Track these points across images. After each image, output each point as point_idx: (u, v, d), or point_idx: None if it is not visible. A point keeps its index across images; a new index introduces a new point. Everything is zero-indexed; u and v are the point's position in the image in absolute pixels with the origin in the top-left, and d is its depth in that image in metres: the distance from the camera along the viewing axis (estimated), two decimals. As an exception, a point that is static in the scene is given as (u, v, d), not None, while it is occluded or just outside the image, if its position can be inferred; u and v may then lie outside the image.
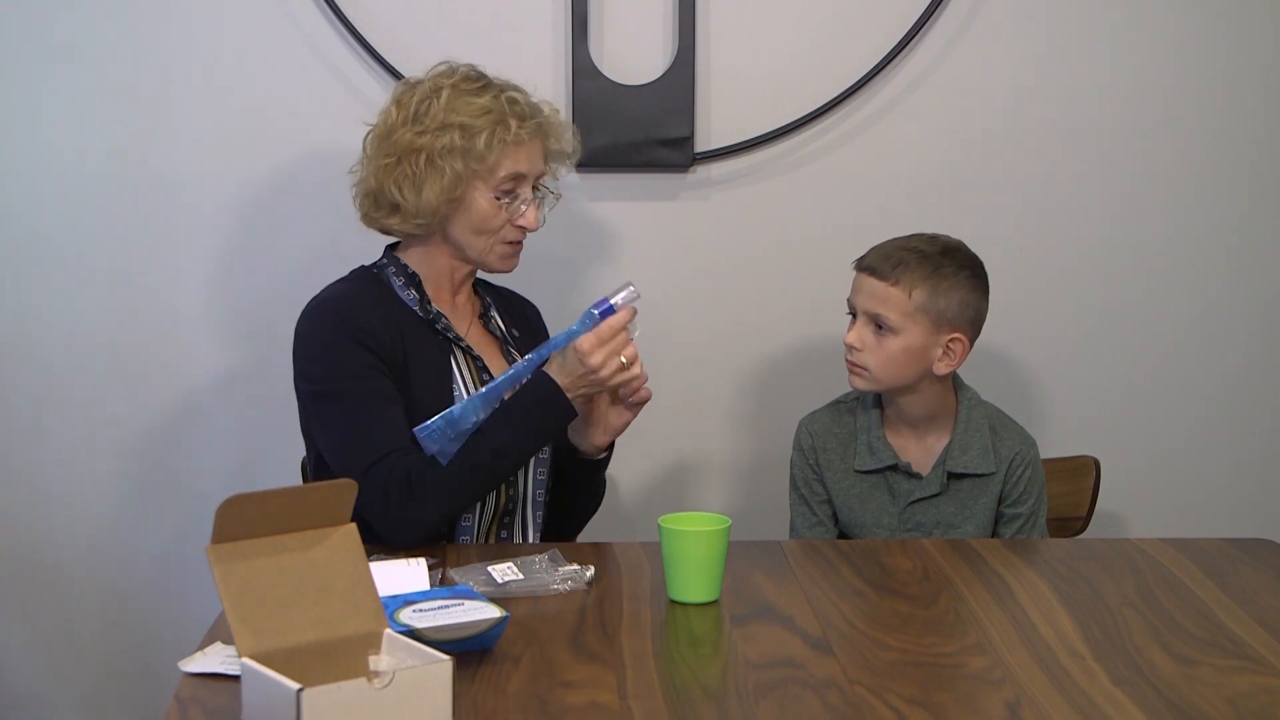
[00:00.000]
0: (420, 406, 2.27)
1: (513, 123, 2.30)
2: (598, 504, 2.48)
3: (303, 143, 2.81)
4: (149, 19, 2.78)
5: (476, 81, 2.34)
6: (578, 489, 2.41)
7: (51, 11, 2.76)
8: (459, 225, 2.33)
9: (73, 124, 2.80)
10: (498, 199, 2.32)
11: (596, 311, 2.20)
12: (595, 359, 2.18)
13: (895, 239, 2.43)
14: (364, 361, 2.25)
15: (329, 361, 2.27)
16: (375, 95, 2.77)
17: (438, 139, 2.28)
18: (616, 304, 2.21)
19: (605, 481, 2.46)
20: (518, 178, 2.32)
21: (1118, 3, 2.87)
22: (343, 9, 2.77)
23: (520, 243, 2.37)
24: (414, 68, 2.72)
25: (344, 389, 2.25)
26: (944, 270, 2.37)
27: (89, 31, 2.77)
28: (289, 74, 2.80)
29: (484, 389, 2.22)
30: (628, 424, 2.31)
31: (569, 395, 2.21)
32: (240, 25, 2.79)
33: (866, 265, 2.41)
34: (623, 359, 2.19)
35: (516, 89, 2.36)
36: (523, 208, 2.34)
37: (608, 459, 2.40)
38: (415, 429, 2.18)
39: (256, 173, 2.83)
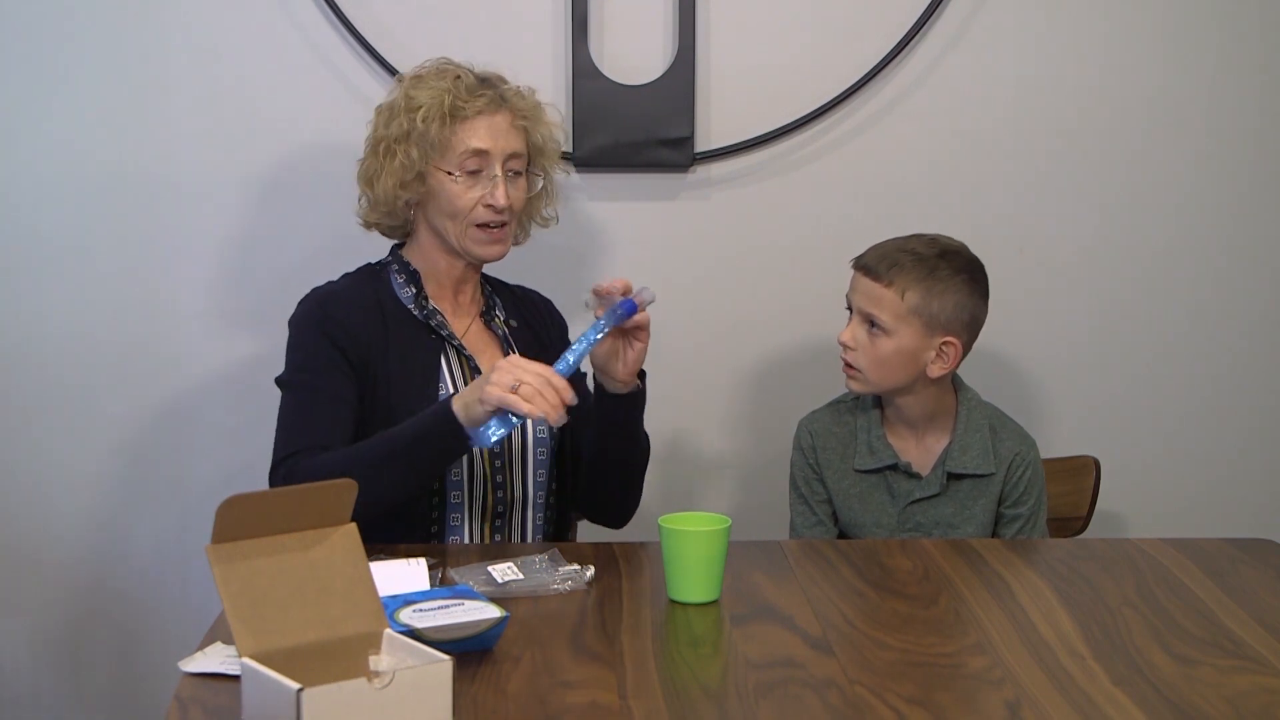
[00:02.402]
0: (400, 404, 2.28)
1: (451, 97, 2.29)
2: (646, 456, 2.36)
3: (302, 143, 2.81)
4: (149, 18, 2.78)
5: (445, 71, 2.35)
6: (623, 438, 2.27)
7: (53, 12, 2.76)
8: (433, 212, 2.34)
9: (72, 123, 2.80)
10: (455, 176, 2.30)
11: (622, 310, 2.14)
12: (512, 371, 2.05)
13: (895, 239, 2.43)
14: (326, 357, 2.27)
15: (294, 350, 2.32)
16: (375, 95, 2.76)
17: (392, 127, 2.31)
18: (636, 302, 2.16)
19: (647, 435, 2.35)
20: (479, 154, 2.31)
21: (1116, 4, 2.87)
22: (343, 9, 2.77)
23: (497, 226, 2.33)
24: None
25: (299, 381, 2.28)
26: (939, 273, 2.37)
27: (89, 31, 2.77)
28: (289, 74, 2.80)
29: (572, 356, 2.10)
30: (642, 353, 2.21)
31: (455, 403, 2.09)
32: (240, 25, 2.79)
33: (863, 264, 2.41)
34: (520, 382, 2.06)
35: (468, 70, 2.34)
36: (490, 185, 2.32)
37: (642, 395, 2.29)
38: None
39: (255, 172, 2.83)
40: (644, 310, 2.18)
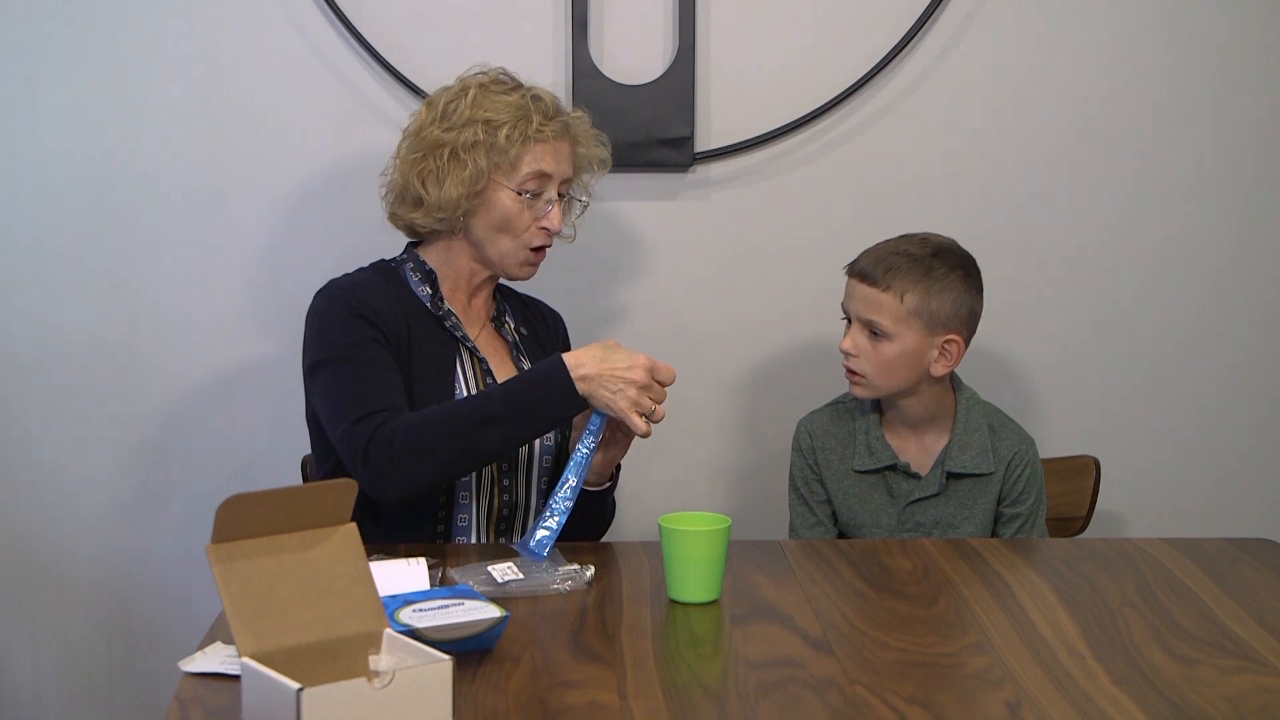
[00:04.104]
0: (419, 400, 2.27)
1: (535, 118, 2.31)
2: (608, 525, 2.45)
3: (304, 145, 2.81)
4: (150, 23, 2.78)
5: (506, 83, 2.36)
6: (583, 516, 2.29)
7: (54, 17, 2.76)
8: (481, 223, 2.34)
9: (73, 127, 2.80)
10: (520, 195, 2.32)
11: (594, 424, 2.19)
12: (639, 375, 2.14)
13: (885, 242, 2.43)
14: (367, 334, 2.26)
15: (332, 333, 2.28)
16: (376, 96, 2.78)
17: (462, 134, 2.30)
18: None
19: (615, 503, 2.43)
20: (542, 177, 2.33)
21: (1117, 3, 2.87)
22: (343, 10, 2.77)
23: (543, 250, 2.38)
24: (415, 68, 2.73)
25: (344, 355, 2.25)
26: (935, 272, 2.37)
27: (90, 35, 2.77)
28: (289, 75, 2.80)
29: (563, 487, 2.15)
30: (618, 455, 2.29)
31: (579, 384, 2.15)
32: (241, 26, 2.79)
33: (858, 270, 2.41)
34: (654, 403, 2.16)
35: (545, 91, 2.37)
36: (547, 208, 2.34)
37: (611, 488, 2.37)
38: (520, 546, 2.12)
39: (256, 175, 2.82)
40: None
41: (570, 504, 2.13)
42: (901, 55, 2.84)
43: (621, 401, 2.13)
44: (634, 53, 2.82)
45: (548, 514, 2.12)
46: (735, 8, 2.83)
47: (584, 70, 2.80)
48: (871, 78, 2.84)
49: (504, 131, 2.29)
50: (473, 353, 2.37)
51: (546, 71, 2.79)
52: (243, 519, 1.59)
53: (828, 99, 2.84)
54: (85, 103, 2.79)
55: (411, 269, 2.39)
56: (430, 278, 2.38)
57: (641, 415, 2.15)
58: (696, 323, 2.91)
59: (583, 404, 2.16)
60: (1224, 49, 2.89)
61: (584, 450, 2.16)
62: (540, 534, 2.10)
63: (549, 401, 2.16)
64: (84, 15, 2.77)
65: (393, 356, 2.27)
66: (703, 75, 2.84)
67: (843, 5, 2.84)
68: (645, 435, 2.17)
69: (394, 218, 2.40)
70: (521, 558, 2.09)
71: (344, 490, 1.67)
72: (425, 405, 2.25)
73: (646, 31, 2.83)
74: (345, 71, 2.80)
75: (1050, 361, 2.95)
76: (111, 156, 2.81)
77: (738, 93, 2.85)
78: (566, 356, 2.16)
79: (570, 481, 2.14)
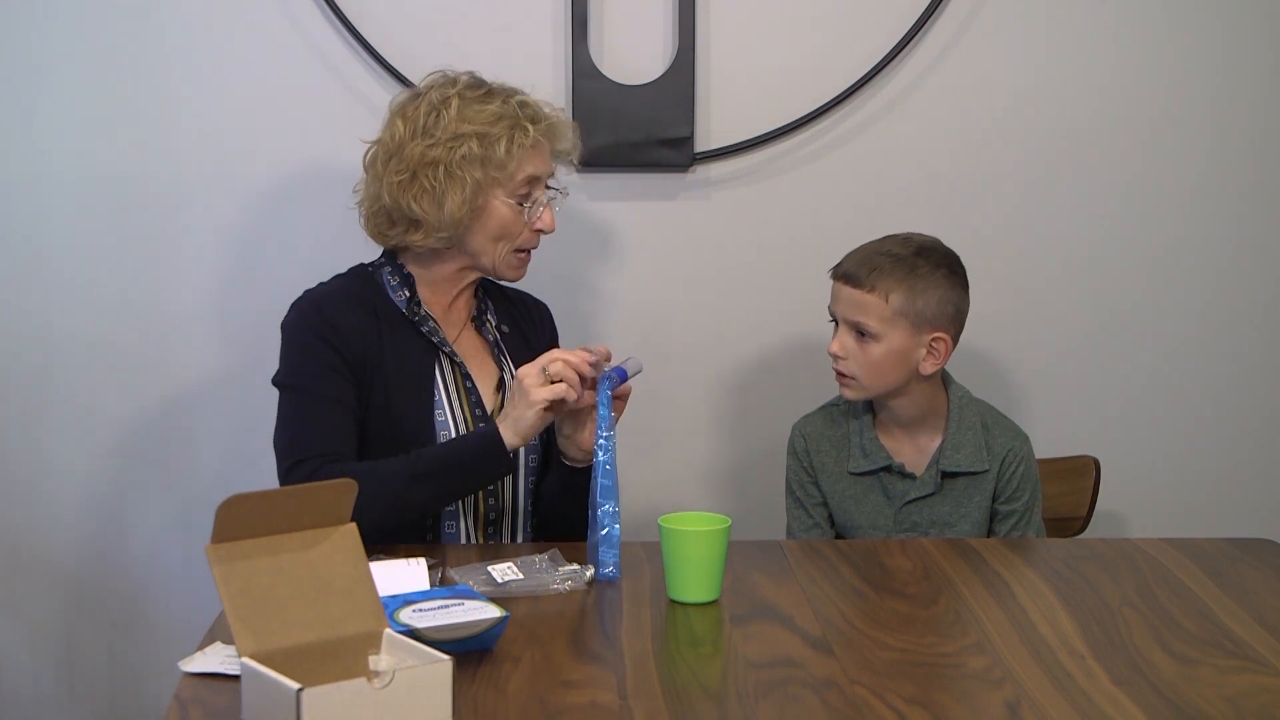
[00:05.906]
0: (398, 407, 2.28)
1: (529, 127, 2.30)
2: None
3: (301, 145, 2.81)
4: (151, 23, 2.78)
5: (479, 89, 2.33)
6: (576, 498, 2.30)
7: (50, 16, 2.76)
8: (478, 234, 2.33)
9: (72, 127, 2.79)
10: (520, 206, 2.32)
11: (616, 376, 2.19)
12: (527, 379, 2.16)
13: (869, 243, 2.43)
14: (325, 361, 2.26)
15: (292, 354, 2.30)
16: (376, 96, 2.77)
17: (454, 150, 2.27)
18: (628, 370, 2.22)
19: None
20: (533, 180, 2.33)
21: (1117, 3, 2.87)
22: (342, 9, 2.77)
23: (530, 251, 2.37)
24: (415, 69, 2.72)
25: (297, 384, 2.27)
26: (919, 271, 2.37)
27: (87, 36, 2.77)
28: (288, 75, 2.80)
29: (600, 491, 2.12)
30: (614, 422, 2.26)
31: (511, 432, 2.17)
32: (240, 26, 2.79)
33: (842, 273, 2.42)
34: (547, 371, 2.16)
35: (518, 91, 2.35)
36: (539, 210, 2.34)
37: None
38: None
39: (254, 175, 2.82)
40: (630, 378, 2.22)
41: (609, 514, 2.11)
42: (901, 55, 2.84)
43: (531, 395, 2.15)
44: (634, 53, 2.82)
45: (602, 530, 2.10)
46: (735, 8, 2.83)
47: (584, 70, 2.80)
48: (871, 78, 2.84)
49: (502, 144, 2.27)
50: (451, 357, 2.36)
51: (546, 71, 2.79)
52: (243, 519, 1.60)
53: (828, 99, 2.84)
54: (82, 103, 2.79)
55: (389, 274, 2.38)
56: (409, 281, 2.37)
57: (550, 384, 2.16)
58: (696, 322, 2.91)
59: (509, 459, 2.19)
60: (1224, 49, 2.89)
61: (601, 457, 2.13)
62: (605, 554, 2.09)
63: (478, 455, 2.19)
64: (81, 16, 2.76)
65: (353, 382, 2.27)
66: (703, 75, 2.84)
67: (843, 5, 2.84)
68: (573, 398, 2.16)
69: (383, 238, 2.37)
70: (521, 558, 2.09)
71: (344, 490, 1.67)
72: (405, 414, 2.27)
73: (646, 31, 2.83)
74: (345, 72, 2.80)
75: (1051, 362, 2.95)
76: (108, 156, 2.81)
77: (737, 93, 2.85)
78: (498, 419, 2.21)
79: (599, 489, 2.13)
